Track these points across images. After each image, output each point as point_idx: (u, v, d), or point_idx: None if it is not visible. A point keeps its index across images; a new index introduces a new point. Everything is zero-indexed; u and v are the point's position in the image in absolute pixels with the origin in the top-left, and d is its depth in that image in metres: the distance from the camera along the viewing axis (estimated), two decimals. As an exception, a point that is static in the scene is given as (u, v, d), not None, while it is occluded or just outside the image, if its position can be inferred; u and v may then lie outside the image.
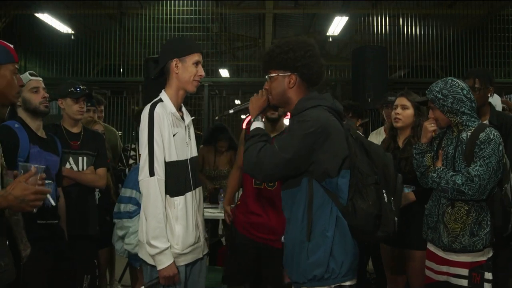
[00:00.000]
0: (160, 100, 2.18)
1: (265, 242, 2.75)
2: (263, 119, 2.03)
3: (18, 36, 8.04)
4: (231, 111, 2.22)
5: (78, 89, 2.84)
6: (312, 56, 1.89)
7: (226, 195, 3.19)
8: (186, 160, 2.19)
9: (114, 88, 7.77)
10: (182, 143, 2.19)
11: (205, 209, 4.43)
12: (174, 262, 2.06)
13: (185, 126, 2.23)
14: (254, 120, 1.99)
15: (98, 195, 3.29)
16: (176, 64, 2.15)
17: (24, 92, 2.43)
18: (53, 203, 2.41)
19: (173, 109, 2.17)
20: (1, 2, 7.87)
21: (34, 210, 1.62)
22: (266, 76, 1.97)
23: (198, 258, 2.23)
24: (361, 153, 1.82)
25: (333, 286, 1.77)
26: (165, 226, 2.06)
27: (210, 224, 4.49)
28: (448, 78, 2.34)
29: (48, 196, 2.42)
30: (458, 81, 2.32)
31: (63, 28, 8.12)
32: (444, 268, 2.31)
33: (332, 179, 1.77)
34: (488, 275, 2.21)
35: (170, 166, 2.10)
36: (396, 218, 1.81)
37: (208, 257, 4.50)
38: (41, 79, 2.54)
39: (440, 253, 2.33)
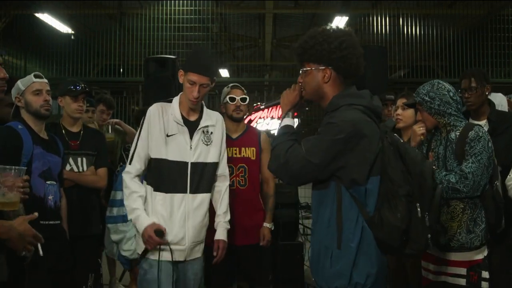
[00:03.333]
0: (169, 101, 2.27)
1: (244, 244, 2.74)
2: (294, 116, 1.90)
3: (18, 36, 8.05)
4: (263, 106, 2.21)
5: (77, 87, 2.84)
6: (348, 47, 1.71)
7: None
8: (184, 162, 2.21)
9: (114, 88, 7.78)
10: (181, 146, 2.21)
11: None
12: (151, 225, 2.13)
13: (197, 130, 2.25)
14: (284, 117, 1.86)
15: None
16: (181, 75, 2.23)
17: (26, 94, 2.42)
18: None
19: (174, 112, 2.22)
20: (1, 2, 7.87)
21: (23, 253, 1.74)
22: (300, 70, 1.82)
23: (179, 261, 2.22)
24: (395, 159, 1.65)
25: None
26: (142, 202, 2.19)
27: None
28: (434, 80, 2.36)
29: (50, 198, 2.43)
30: (445, 83, 2.35)
31: (63, 28, 8.13)
32: (441, 268, 2.31)
33: (360, 187, 1.63)
34: (485, 274, 2.22)
35: (155, 162, 2.22)
36: (429, 235, 1.64)
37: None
38: (46, 81, 2.50)
39: (437, 253, 2.33)
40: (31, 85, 2.43)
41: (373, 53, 6.05)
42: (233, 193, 2.71)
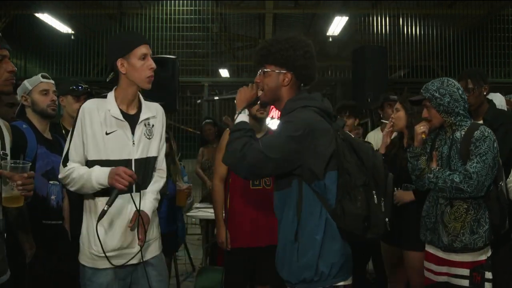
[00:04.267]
0: (104, 96, 2.09)
1: (269, 244, 2.65)
2: (248, 114, 1.96)
3: (18, 36, 8.03)
4: (217, 97, 2.18)
5: (80, 87, 2.85)
6: (310, 58, 1.86)
7: (217, 216, 2.91)
8: (127, 160, 2.03)
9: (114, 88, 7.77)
10: (122, 142, 2.04)
11: (205, 209, 4.42)
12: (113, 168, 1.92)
13: (138, 124, 2.08)
14: (240, 113, 1.91)
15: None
16: (122, 64, 2.03)
17: (33, 93, 2.47)
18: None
19: (111, 107, 2.05)
20: (1, 2, 7.87)
21: None
22: (259, 70, 1.91)
23: (132, 264, 2.05)
24: (350, 154, 1.78)
25: (326, 287, 1.76)
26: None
27: (210, 224, 4.49)
28: (443, 78, 2.36)
29: (52, 197, 2.44)
30: (454, 81, 2.35)
31: (63, 28, 8.11)
32: (444, 269, 2.31)
33: (320, 181, 1.75)
34: (489, 275, 2.22)
35: (93, 164, 2.00)
36: (387, 218, 1.78)
37: (209, 257, 4.52)
38: (52, 82, 2.55)
39: (440, 254, 2.33)
40: (39, 85, 2.48)
41: (373, 53, 6.07)
42: (260, 192, 2.77)
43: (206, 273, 3.77)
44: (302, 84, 1.93)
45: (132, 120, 2.09)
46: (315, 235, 1.74)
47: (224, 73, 9.74)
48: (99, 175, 1.94)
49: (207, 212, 4.24)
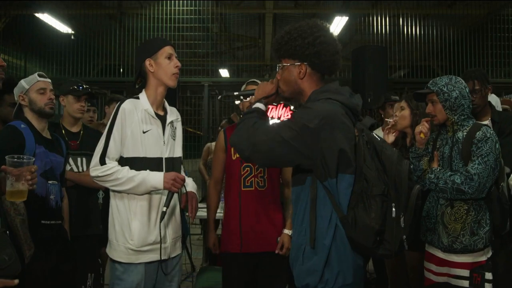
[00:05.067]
0: (137, 98, 2.21)
1: (262, 250, 2.62)
2: (265, 104, 1.86)
3: (18, 36, 8.04)
4: (236, 93, 2.12)
5: (80, 87, 2.85)
6: (322, 43, 1.70)
7: (209, 220, 2.87)
8: (159, 158, 2.17)
9: (114, 88, 7.77)
10: (156, 141, 2.17)
11: (205, 209, 4.42)
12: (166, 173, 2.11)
13: (167, 125, 2.23)
14: (256, 102, 1.83)
15: (102, 194, 3.30)
16: (150, 64, 2.18)
17: (30, 92, 2.44)
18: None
19: (147, 106, 2.17)
20: (1, 2, 7.87)
21: None
22: (277, 66, 1.83)
23: (159, 260, 2.14)
24: (371, 158, 1.60)
25: None
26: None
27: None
28: (451, 75, 2.36)
29: (51, 197, 2.44)
30: (461, 79, 2.35)
31: (63, 28, 8.11)
32: (444, 270, 2.30)
33: (332, 179, 1.60)
34: (489, 275, 2.21)
35: (128, 162, 2.12)
36: (404, 236, 1.57)
37: (209, 257, 4.51)
38: (49, 80, 2.53)
39: (440, 255, 2.32)
40: (36, 84, 2.46)
41: (373, 53, 6.07)
42: (252, 194, 2.64)
43: (206, 273, 3.77)
44: (324, 75, 1.79)
45: (161, 119, 2.23)
46: (323, 240, 1.60)
47: (224, 73, 9.74)
48: (155, 180, 2.08)
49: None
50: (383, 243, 1.57)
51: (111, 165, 2.10)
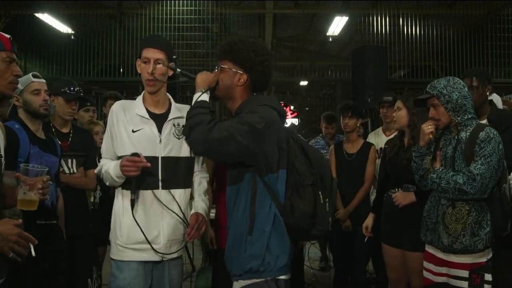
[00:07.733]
0: (133, 99, 2.23)
1: None
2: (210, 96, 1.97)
3: (18, 36, 8.04)
4: (179, 70, 2.13)
5: (72, 90, 2.81)
6: (268, 67, 1.92)
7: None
8: (154, 157, 2.09)
9: (114, 88, 7.77)
10: (149, 140, 2.11)
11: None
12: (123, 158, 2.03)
13: (166, 123, 2.15)
14: (202, 93, 1.93)
15: (100, 194, 3.29)
16: (138, 65, 2.16)
17: (25, 93, 2.42)
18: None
19: (139, 106, 2.16)
20: (1, 2, 7.87)
21: (11, 255, 1.49)
22: (217, 65, 1.95)
23: (154, 261, 2.11)
24: (300, 155, 1.87)
25: (268, 279, 1.80)
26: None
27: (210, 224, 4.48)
28: (448, 76, 2.35)
29: (47, 197, 2.43)
30: (458, 79, 2.34)
31: (63, 28, 8.12)
32: (443, 270, 2.30)
33: (273, 174, 1.81)
34: (488, 277, 2.20)
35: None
36: (330, 218, 1.87)
37: (209, 257, 4.51)
38: (44, 81, 2.50)
39: (440, 255, 2.32)
40: (30, 85, 2.44)
41: (373, 53, 6.07)
42: None
43: (206, 273, 3.76)
44: (253, 92, 1.96)
45: (159, 119, 2.17)
46: (264, 227, 1.80)
47: (224, 73, 9.73)
48: (114, 169, 2.05)
49: (210, 213, 4.23)
50: (315, 226, 1.82)
51: (102, 162, 2.18)
